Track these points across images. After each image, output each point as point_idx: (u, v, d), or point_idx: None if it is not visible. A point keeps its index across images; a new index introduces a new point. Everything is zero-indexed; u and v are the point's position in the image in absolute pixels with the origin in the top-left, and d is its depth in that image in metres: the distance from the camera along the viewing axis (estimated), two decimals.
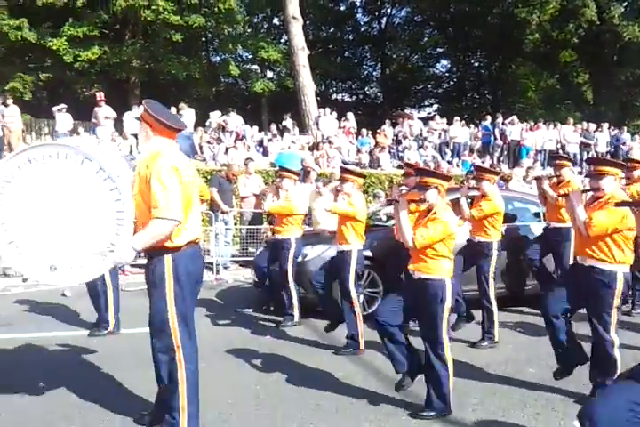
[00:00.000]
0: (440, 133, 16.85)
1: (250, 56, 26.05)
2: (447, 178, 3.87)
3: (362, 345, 5.07)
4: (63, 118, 13.85)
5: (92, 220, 3.25)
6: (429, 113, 31.21)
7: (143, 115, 3.25)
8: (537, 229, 6.82)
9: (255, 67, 25.60)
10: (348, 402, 3.94)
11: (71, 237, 3.27)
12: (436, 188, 3.70)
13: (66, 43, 19.89)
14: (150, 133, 3.24)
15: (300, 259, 6.27)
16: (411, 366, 3.88)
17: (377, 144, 15.83)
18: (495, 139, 16.88)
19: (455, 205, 5.07)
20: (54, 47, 19.77)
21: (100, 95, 13.67)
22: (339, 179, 5.39)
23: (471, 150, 16.52)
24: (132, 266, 8.48)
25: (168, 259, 3.20)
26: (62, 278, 3.41)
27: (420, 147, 15.97)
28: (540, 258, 6.33)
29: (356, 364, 4.80)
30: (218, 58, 27.15)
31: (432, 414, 3.68)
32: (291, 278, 6.03)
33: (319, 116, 17.06)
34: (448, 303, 3.68)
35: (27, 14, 19.96)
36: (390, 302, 3.92)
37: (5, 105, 12.52)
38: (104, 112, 13.59)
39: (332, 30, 32.29)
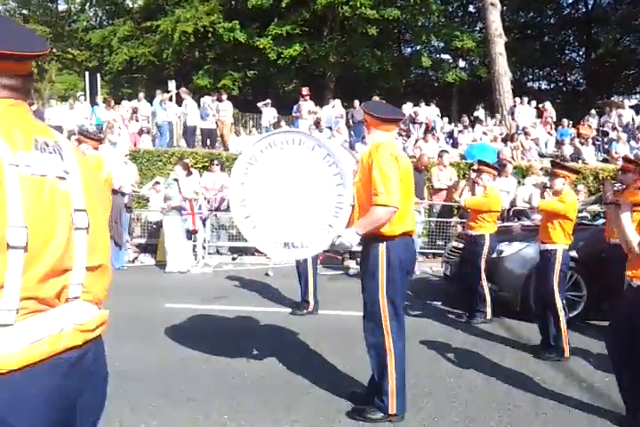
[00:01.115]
0: None
1: (442, 46, 25.66)
2: None
3: (567, 352, 4.77)
4: (268, 112, 15.00)
5: (317, 201, 3.54)
6: None
7: (364, 115, 3.52)
8: None
9: (447, 56, 25.15)
10: (547, 407, 3.79)
11: (298, 216, 3.60)
12: None
13: (271, 41, 21.46)
14: (370, 128, 3.50)
15: (494, 255, 6.12)
16: None
17: (579, 135, 14.64)
18: None
19: None
20: (260, 46, 21.46)
21: (307, 90, 14.53)
22: (547, 173, 5.10)
23: None
24: (325, 252, 8.96)
25: (382, 246, 3.36)
26: (285, 254, 3.76)
27: (630, 138, 14.43)
28: None
29: (557, 369, 4.57)
30: (409, 49, 27.20)
31: None
32: (483, 275, 5.90)
33: (514, 106, 16.25)
34: None
35: (238, 16, 21.91)
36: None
37: (220, 100, 13.91)
38: (308, 106, 14.41)
39: (531, 15, 30.40)
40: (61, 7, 30.97)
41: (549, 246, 4.79)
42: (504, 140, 14.12)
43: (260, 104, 15.11)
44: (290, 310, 6.18)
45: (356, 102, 15.15)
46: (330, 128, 14.31)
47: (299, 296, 6.23)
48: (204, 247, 9.29)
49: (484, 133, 15.00)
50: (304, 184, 3.58)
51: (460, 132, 15.47)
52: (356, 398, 3.70)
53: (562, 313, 4.77)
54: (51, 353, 1.31)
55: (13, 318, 1.26)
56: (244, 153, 3.86)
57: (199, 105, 14.03)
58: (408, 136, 15.06)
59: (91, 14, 29.60)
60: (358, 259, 9.28)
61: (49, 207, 1.32)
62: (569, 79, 31.96)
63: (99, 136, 7.87)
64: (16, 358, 1.25)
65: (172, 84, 16.46)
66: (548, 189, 4.89)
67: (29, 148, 1.32)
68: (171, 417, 3.45)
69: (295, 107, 14.78)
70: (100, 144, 7.84)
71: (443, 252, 7.94)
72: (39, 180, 1.31)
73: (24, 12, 30.74)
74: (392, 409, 3.39)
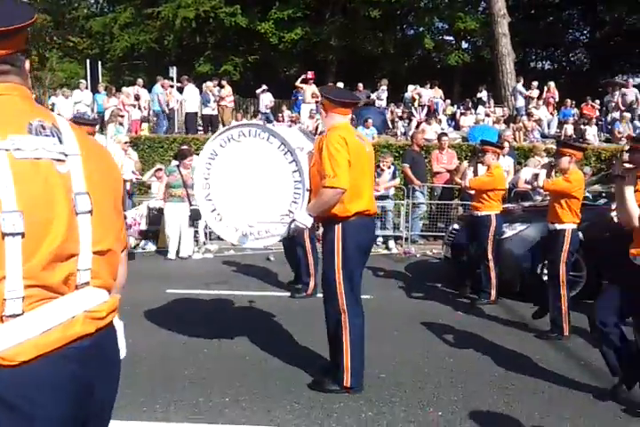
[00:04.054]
0: None
1: (445, 27, 25.37)
2: None
3: (566, 331, 4.78)
4: (265, 98, 14.95)
5: (276, 189, 3.66)
6: None
7: (321, 99, 3.63)
8: None
9: (450, 38, 24.85)
10: (546, 386, 3.80)
11: (260, 206, 3.72)
12: None
13: (272, 26, 21.25)
14: (327, 112, 3.56)
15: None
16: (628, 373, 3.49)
17: (582, 116, 14.54)
18: None
19: None
20: (262, 30, 21.26)
21: (312, 74, 14.47)
22: (554, 153, 5.05)
23: None
24: None
25: (338, 227, 3.45)
26: (251, 242, 3.90)
27: (634, 118, 14.29)
28: None
29: (557, 349, 4.58)
30: (412, 31, 26.88)
31: None
32: (490, 256, 5.90)
33: (517, 87, 16.11)
34: None
35: (239, 1, 21.67)
36: (607, 296, 3.56)
37: (221, 86, 13.85)
38: (311, 90, 14.33)
39: None
40: None
41: (558, 226, 4.75)
42: (506, 122, 14.03)
43: (257, 91, 15.05)
44: (289, 293, 6.23)
45: (360, 86, 15.06)
46: None
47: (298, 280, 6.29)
48: (205, 233, 9.31)
49: (487, 115, 14.91)
50: (264, 174, 3.70)
51: (462, 114, 15.37)
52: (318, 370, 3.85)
53: (565, 292, 4.77)
54: (62, 342, 1.27)
55: (21, 308, 1.22)
56: (205, 149, 3.95)
57: (201, 91, 13.98)
58: (410, 119, 14.98)
59: (92, 1, 29.36)
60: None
61: (45, 191, 1.27)
62: (572, 59, 31.56)
63: (92, 121, 7.86)
64: (28, 349, 1.22)
65: (172, 71, 16.38)
66: (556, 169, 4.84)
67: (22, 131, 1.27)
68: (173, 400, 3.49)
69: (295, 91, 14.69)
70: (95, 131, 7.80)
71: (443, 234, 7.93)
72: (33, 163, 1.26)
73: None
74: (347, 382, 3.50)
